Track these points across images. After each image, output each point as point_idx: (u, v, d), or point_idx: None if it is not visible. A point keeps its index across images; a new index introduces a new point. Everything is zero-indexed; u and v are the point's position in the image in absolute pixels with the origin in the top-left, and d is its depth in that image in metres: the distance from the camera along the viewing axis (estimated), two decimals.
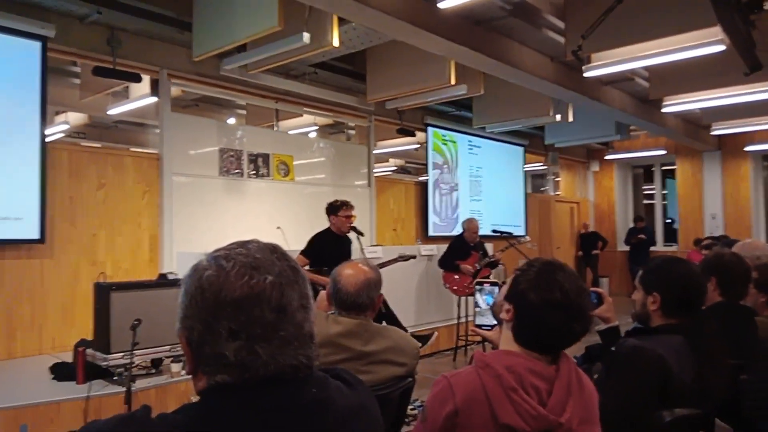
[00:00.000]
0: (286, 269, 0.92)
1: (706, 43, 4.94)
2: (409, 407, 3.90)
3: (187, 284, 0.92)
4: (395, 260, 5.60)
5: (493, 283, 1.83)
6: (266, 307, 0.88)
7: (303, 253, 4.97)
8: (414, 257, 5.92)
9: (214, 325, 0.87)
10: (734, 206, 11.07)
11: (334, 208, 5.21)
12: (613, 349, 1.85)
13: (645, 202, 13.36)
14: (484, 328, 1.78)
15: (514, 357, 1.36)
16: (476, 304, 1.84)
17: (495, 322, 1.79)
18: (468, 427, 1.33)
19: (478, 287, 1.84)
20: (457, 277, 6.53)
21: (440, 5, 4.46)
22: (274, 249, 0.95)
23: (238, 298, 0.87)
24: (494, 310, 1.56)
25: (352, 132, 9.13)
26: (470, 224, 6.71)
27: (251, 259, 0.91)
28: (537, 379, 1.32)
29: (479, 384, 1.33)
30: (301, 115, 8.15)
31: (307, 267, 4.93)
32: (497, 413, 1.30)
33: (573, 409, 1.32)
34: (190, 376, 1.00)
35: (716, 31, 4.69)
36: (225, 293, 0.87)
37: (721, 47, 4.93)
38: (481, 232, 6.91)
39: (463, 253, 6.59)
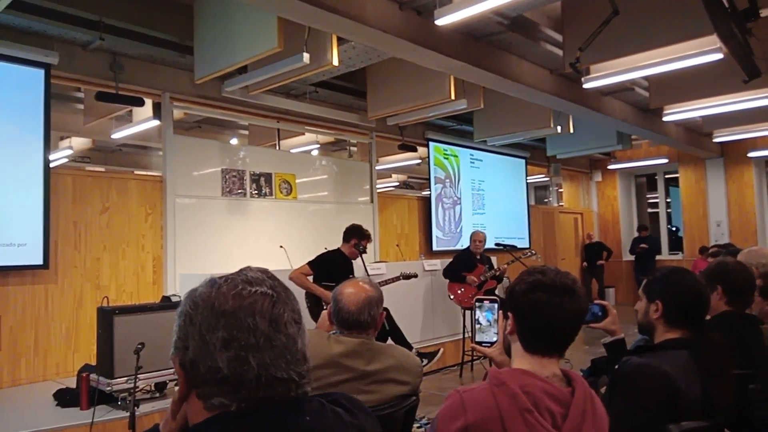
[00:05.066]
0: (277, 286, 0.96)
1: (704, 51, 4.95)
2: (415, 425, 3.85)
3: (182, 307, 0.94)
4: (397, 278, 5.58)
5: (492, 300, 1.81)
6: (259, 316, 0.90)
7: (309, 263, 4.99)
8: (416, 276, 5.86)
9: (207, 337, 0.88)
10: (739, 213, 11.02)
11: (360, 234, 5.06)
12: (616, 367, 1.82)
13: (649, 210, 13.32)
14: (483, 345, 1.76)
15: (531, 377, 1.34)
16: (477, 321, 1.81)
17: (494, 339, 1.76)
18: None
19: (477, 303, 1.81)
20: (461, 289, 6.52)
21: (438, 22, 4.49)
22: (265, 271, 0.98)
23: (230, 309, 0.89)
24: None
25: (354, 149, 9.17)
26: (475, 235, 6.78)
27: (243, 276, 0.95)
28: (552, 403, 1.31)
29: (493, 402, 1.30)
30: (303, 134, 8.20)
31: (310, 278, 4.97)
32: None
33: None
34: None
35: (713, 40, 4.70)
36: (218, 304, 0.90)
37: (719, 56, 4.94)
38: (485, 245, 6.91)
39: (470, 265, 6.60)
